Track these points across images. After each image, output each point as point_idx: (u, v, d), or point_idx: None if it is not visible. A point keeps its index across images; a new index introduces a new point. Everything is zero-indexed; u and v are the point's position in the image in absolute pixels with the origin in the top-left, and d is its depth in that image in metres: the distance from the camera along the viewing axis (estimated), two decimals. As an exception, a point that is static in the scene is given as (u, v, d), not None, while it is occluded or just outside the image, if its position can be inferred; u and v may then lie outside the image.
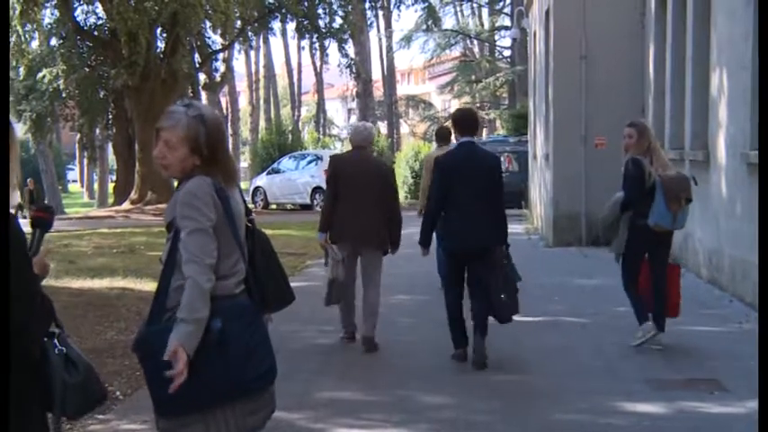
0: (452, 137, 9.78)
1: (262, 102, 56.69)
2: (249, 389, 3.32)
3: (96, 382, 3.08)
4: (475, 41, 46.25)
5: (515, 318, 7.34)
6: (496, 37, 44.89)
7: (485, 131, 44.80)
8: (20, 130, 35.30)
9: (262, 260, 3.59)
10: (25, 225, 2.96)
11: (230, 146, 45.10)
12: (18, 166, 3.03)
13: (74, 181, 66.35)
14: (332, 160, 8.52)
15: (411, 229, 8.57)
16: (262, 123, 53.26)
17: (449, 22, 46.54)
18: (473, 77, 42.80)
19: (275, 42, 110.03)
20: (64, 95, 32.08)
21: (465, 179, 7.10)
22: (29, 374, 2.89)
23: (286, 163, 30.53)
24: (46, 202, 37.77)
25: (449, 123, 11.96)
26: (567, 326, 8.84)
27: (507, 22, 41.71)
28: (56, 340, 2.96)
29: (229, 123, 51.15)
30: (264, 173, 31.15)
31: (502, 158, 17.11)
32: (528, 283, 8.57)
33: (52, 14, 30.02)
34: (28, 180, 32.41)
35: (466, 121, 7.46)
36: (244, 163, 54.25)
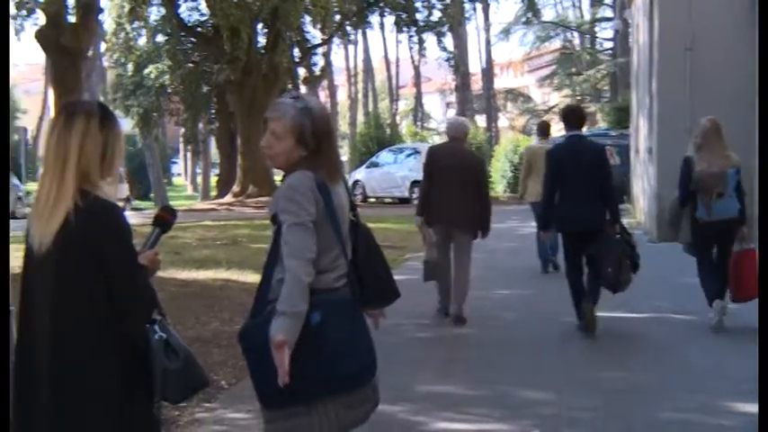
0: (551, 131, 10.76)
1: (360, 95, 57.02)
2: (350, 383, 3.31)
3: (196, 369, 3.14)
4: (575, 33, 45.61)
5: (620, 314, 7.25)
6: (597, 29, 44.20)
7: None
8: (127, 124, 36.30)
9: (365, 255, 3.58)
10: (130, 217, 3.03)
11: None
12: (122, 159, 3.12)
13: (178, 174, 67.82)
14: (429, 150, 9.40)
15: (511, 223, 8.52)
16: (360, 117, 53.55)
17: (548, 14, 46.13)
18: (573, 70, 42.26)
19: (374, 36, 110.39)
20: (169, 91, 32.84)
21: (574, 168, 7.99)
22: (133, 360, 2.97)
23: (384, 156, 30.62)
24: (170, 204, 38.74)
25: (548, 118, 13.89)
26: (673, 322, 8.64)
27: (609, 13, 41.02)
28: (156, 326, 3.03)
29: (328, 117, 51.61)
30: (363, 166, 31.32)
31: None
32: (633, 278, 8.40)
33: (158, 12, 30.76)
34: (122, 171, 33.24)
35: (574, 116, 8.41)
36: (343, 157, 54.66)
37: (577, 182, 7.94)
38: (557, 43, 46.27)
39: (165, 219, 3.27)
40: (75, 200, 2.90)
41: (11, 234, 3.69)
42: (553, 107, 45.41)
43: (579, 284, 8.10)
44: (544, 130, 12.37)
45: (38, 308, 2.95)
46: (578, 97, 40.84)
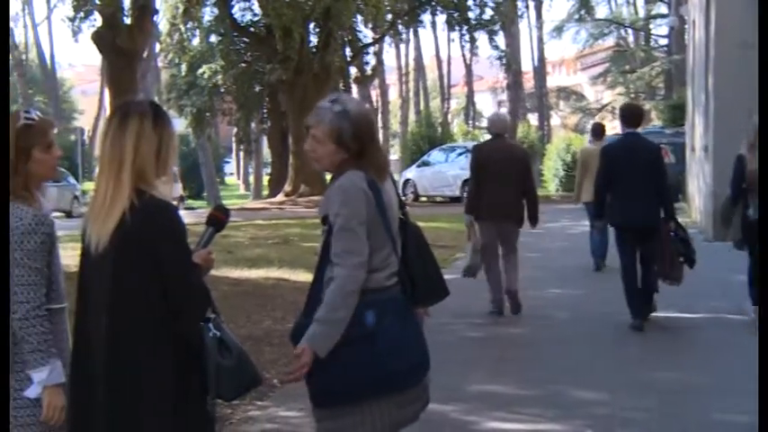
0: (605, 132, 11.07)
1: (411, 94, 57.02)
2: (400, 382, 3.32)
3: (249, 367, 3.16)
4: (629, 30, 45.09)
5: (674, 314, 7.18)
6: (652, 25, 43.65)
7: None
8: (181, 124, 36.68)
9: (415, 253, 3.57)
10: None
11: (380, 139, 45.32)
12: (176, 158, 3.15)
13: (231, 173, 68.42)
14: (474, 148, 9.58)
15: (563, 222, 8.48)
16: (411, 116, 53.55)
17: (602, 11, 45.60)
18: (627, 67, 41.78)
19: (425, 35, 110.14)
20: (222, 90, 33.12)
21: (629, 166, 8.13)
22: (188, 359, 3.00)
23: (436, 155, 30.58)
24: (223, 203, 39.07)
25: (601, 116, 14.50)
26: (728, 323, 8.51)
27: (664, 9, 40.52)
28: (210, 324, 3.06)
29: (379, 116, 51.67)
30: (414, 165, 31.31)
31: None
32: (687, 278, 8.30)
33: (212, 12, 31.06)
34: (175, 170, 33.60)
35: (632, 114, 8.57)
36: (394, 155, 54.69)
37: (633, 179, 8.08)
38: (610, 41, 45.77)
39: (218, 218, 3.30)
40: (131, 199, 2.93)
41: (67, 233, 3.77)
42: (606, 105, 45.00)
43: (633, 282, 8.20)
44: (598, 131, 12.61)
45: (94, 307, 2.99)
46: (632, 95, 40.37)
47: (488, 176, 8.76)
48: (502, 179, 8.69)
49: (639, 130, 8.88)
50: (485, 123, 48.65)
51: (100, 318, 2.96)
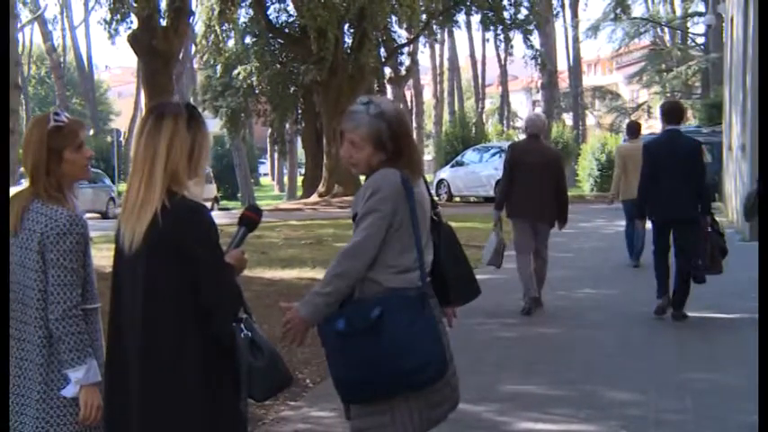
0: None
1: (446, 94, 56.92)
2: (411, 381, 3.30)
3: (281, 367, 3.18)
4: (666, 29, 44.72)
5: (710, 314, 7.12)
6: (689, 24, 43.27)
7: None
8: (216, 125, 36.90)
9: (447, 254, 3.59)
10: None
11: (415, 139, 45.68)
12: (209, 160, 3.18)
13: (265, 174, 68.75)
14: (509, 147, 10.02)
15: (598, 222, 8.45)
16: (445, 116, 53.47)
17: (638, 10, 45.27)
18: (663, 66, 41.43)
19: (460, 35, 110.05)
20: (257, 91, 33.25)
21: (670, 161, 8.42)
22: (219, 359, 3.02)
23: (470, 155, 30.51)
24: (256, 203, 39.27)
25: (637, 115, 15.09)
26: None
27: (701, 7, 40.16)
28: (242, 325, 3.08)
29: (413, 116, 51.68)
30: (448, 165, 31.26)
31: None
32: (723, 278, 8.23)
33: (247, 14, 31.24)
34: (209, 171, 33.80)
35: (673, 111, 8.80)
36: (428, 156, 54.67)
37: (673, 174, 8.38)
38: (646, 39, 45.44)
39: (250, 218, 3.33)
40: (163, 200, 2.95)
41: (103, 234, 3.83)
42: (642, 104, 44.68)
43: (665, 269, 8.62)
44: (634, 129, 12.76)
45: (128, 308, 3.02)
46: (668, 94, 40.01)
47: (522, 176, 9.01)
48: (535, 179, 8.94)
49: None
50: (519, 123, 48.57)
51: (134, 318, 2.99)
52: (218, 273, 3.00)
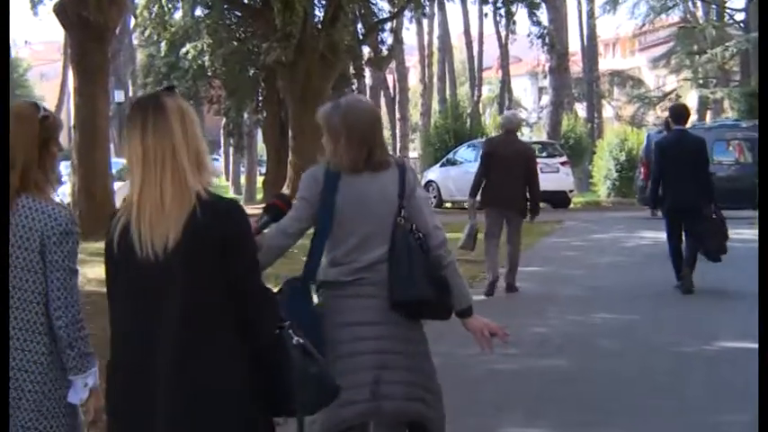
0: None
1: (435, 79, 56.96)
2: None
3: (330, 376, 3.43)
4: (698, 3, 45.02)
5: (746, 344, 7.19)
6: (726, -3, 43.56)
7: (708, 114, 43.50)
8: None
9: (400, 257, 4.06)
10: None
11: (398, 132, 45.27)
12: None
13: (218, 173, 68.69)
14: (486, 140, 14.70)
15: (615, 233, 8.49)
16: (435, 105, 53.60)
17: (665, -19, 45.51)
18: (695, 48, 41.72)
19: (452, 9, 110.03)
20: (209, 74, 33.20)
21: (677, 157, 11.34)
22: (257, 370, 3.20)
23: (463, 153, 30.29)
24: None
25: (663, 106, 17.02)
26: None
27: (739, -22, 40.37)
28: (291, 331, 3.27)
29: (396, 106, 51.78)
30: (438, 165, 31.14)
31: (731, 147, 23.69)
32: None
33: (198, -20, 31.15)
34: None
35: (680, 114, 11.79)
36: (413, 153, 54.76)
37: (683, 168, 11.26)
38: (675, 15, 45.73)
39: (279, 206, 3.73)
40: (196, 196, 3.13)
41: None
42: (669, 93, 44.79)
43: (678, 250, 11.54)
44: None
45: (164, 314, 3.13)
46: (700, 80, 40.29)
47: (496, 168, 11.63)
48: (508, 171, 11.50)
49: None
50: (523, 114, 48.32)
51: (169, 323, 3.11)
52: (259, 276, 3.28)
